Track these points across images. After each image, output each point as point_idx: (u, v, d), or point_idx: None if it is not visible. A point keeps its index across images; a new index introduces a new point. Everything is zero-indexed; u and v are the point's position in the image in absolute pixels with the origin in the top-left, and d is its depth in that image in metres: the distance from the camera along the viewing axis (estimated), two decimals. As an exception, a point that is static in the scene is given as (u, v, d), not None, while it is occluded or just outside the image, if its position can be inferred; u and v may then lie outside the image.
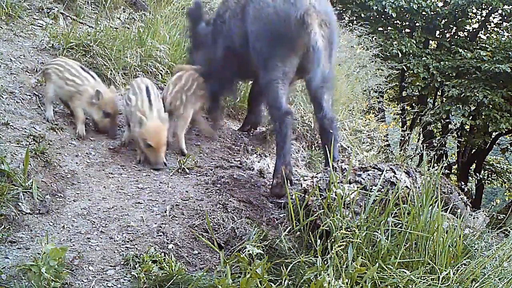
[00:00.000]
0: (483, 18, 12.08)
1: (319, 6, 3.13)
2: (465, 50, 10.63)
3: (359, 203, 2.62)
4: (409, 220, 2.48)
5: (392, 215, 2.52)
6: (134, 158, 3.52)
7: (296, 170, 3.86)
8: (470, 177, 11.76)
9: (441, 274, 2.30)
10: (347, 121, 5.15)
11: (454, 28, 12.24)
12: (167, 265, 2.35)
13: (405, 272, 2.28)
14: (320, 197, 2.65)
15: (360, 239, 2.36)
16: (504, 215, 3.37)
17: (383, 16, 11.58)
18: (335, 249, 2.27)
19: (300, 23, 3.05)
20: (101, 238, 2.58)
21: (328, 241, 2.40)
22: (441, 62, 10.68)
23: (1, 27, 4.31)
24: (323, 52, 3.06)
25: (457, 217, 2.94)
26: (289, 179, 3.13)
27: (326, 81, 3.26)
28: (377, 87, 6.80)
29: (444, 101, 11.24)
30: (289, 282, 2.24)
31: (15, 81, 3.73)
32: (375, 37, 8.91)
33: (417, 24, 11.75)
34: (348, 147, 4.76)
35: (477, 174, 10.55)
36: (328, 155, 2.87)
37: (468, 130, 11.70)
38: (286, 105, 3.26)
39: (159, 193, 3.10)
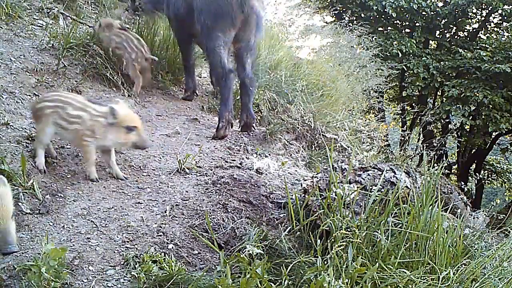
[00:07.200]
0: (483, 18, 12.08)
1: None
2: (465, 50, 10.64)
3: (359, 203, 2.62)
4: (409, 220, 2.48)
5: (392, 215, 2.52)
6: (134, 158, 3.52)
7: (296, 170, 3.86)
8: (470, 177, 11.75)
9: (441, 274, 2.30)
10: (347, 121, 5.14)
11: (454, 28, 12.24)
12: (167, 265, 2.34)
13: (405, 272, 2.27)
14: (320, 197, 2.65)
15: (360, 239, 2.36)
16: (504, 215, 3.36)
17: (383, 16, 11.59)
18: (335, 249, 2.27)
19: (240, 2, 3.76)
20: (101, 238, 2.58)
21: (328, 241, 2.40)
22: (441, 62, 10.68)
23: (1, 27, 4.31)
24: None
25: (457, 217, 2.94)
26: (230, 122, 4.05)
27: (253, 48, 4.14)
28: (377, 87, 6.80)
29: (444, 101, 11.23)
30: (289, 282, 2.24)
31: (15, 81, 3.73)
32: (375, 37, 8.92)
33: (417, 24, 11.74)
34: (348, 147, 4.75)
35: (477, 174, 10.49)
36: (329, 155, 2.88)
37: (468, 130, 11.69)
38: (228, 65, 3.97)
39: (159, 193, 3.10)
